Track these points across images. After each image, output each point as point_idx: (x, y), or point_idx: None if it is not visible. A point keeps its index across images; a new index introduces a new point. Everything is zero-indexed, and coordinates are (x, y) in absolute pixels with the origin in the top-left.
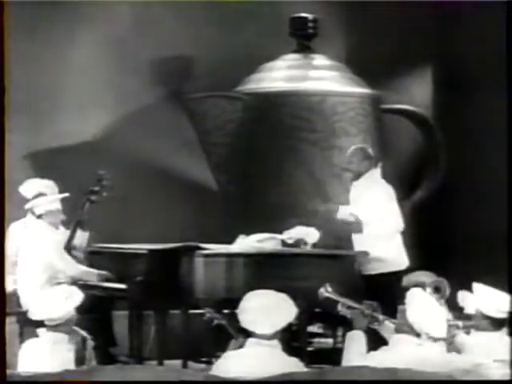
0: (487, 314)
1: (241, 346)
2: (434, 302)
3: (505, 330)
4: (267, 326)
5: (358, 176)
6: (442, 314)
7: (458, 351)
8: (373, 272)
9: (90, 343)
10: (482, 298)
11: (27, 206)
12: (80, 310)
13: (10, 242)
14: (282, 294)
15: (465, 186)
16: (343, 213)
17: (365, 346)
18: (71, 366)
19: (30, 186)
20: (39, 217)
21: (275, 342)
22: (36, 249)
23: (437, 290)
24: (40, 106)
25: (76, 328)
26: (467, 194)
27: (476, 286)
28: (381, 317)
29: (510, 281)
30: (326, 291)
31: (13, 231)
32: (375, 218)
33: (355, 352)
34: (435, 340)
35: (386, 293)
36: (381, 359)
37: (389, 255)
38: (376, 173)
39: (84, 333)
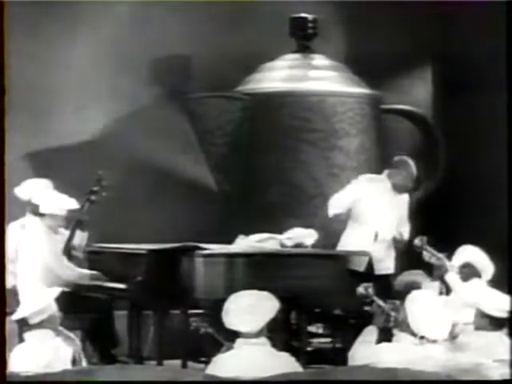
0: (488, 313)
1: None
2: (436, 304)
3: (504, 331)
4: (251, 323)
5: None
6: (444, 315)
7: (460, 351)
8: (379, 273)
9: (78, 344)
10: (484, 297)
11: (34, 200)
12: (80, 309)
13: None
14: (263, 292)
15: (464, 186)
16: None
17: (374, 341)
18: (62, 361)
19: (27, 188)
20: (41, 215)
21: (263, 340)
22: (34, 251)
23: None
24: (39, 105)
25: (62, 329)
26: (467, 193)
27: (477, 282)
28: (394, 314)
29: (510, 281)
30: (366, 290)
31: (11, 231)
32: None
33: (363, 344)
34: (434, 342)
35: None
36: (382, 355)
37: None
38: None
39: (71, 334)
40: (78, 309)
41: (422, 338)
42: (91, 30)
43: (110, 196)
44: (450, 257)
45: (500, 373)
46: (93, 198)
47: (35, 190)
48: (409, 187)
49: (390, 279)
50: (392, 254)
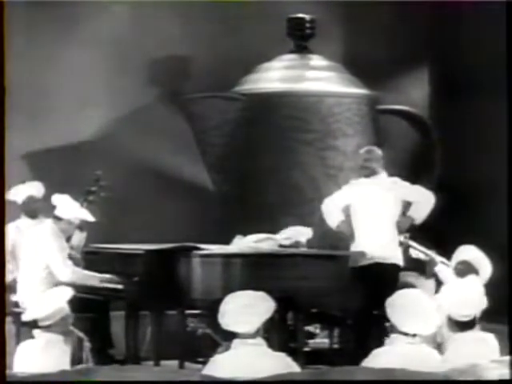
0: (453, 317)
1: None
2: (416, 300)
3: (475, 330)
4: (247, 324)
5: (372, 174)
6: (426, 310)
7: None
8: (372, 261)
9: (87, 344)
10: (449, 300)
11: (53, 200)
12: (77, 310)
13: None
14: (259, 293)
15: (462, 187)
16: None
17: None
18: (65, 366)
19: (19, 191)
20: (57, 219)
21: (260, 340)
22: (40, 252)
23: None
24: (37, 105)
25: (73, 328)
26: (464, 194)
27: (473, 278)
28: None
29: (511, 281)
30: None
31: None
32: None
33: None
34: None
35: (383, 285)
36: (378, 359)
37: (389, 248)
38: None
39: (81, 334)
40: (75, 309)
41: (414, 335)
42: (90, 30)
43: (107, 196)
44: (449, 258)
45: (497, 373)
46: (91, 198)
47: (27, 193)
48: (377, 169)
49: (397, 270)
50: (397, 249)
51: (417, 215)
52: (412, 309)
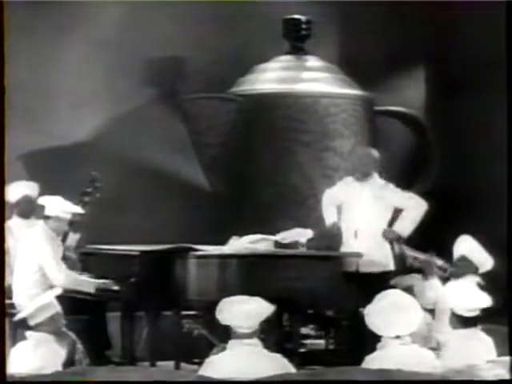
0: (457, 312)
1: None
2: (396, 303)
3: (478, 328)
4: (245, 323)
5: (365, 176)
6: (408, 314)
7: (436, 350)
8: (366, 270)
9: (80, 347)
10: (454, 296)
11: (40, 201)
12: (73, 311)
13: None
14: (256, 297)
15: (458, 188)
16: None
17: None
18: (56, 366)
19: (15, 189)
20: (46, 218)
21: (255, 341)
22: (34, 255)
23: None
24: (33, 106)
25: (66, 330)
26: (461, 195)
27: (470, 279)
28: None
29: (510, 281)
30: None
31: None
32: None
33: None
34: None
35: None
36: (372, 365)
37: (381, 255)
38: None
39: (74, 336)
40: (71, 310)
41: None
42: (87, 30)
43: (103, 197)
44: (446, 260)
45: (494, 373)
46: (86, 199)
47: (23, 192)
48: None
49: (387, 277)
50: (387, 252)
51: (404, 229)
52: (389, 311)
